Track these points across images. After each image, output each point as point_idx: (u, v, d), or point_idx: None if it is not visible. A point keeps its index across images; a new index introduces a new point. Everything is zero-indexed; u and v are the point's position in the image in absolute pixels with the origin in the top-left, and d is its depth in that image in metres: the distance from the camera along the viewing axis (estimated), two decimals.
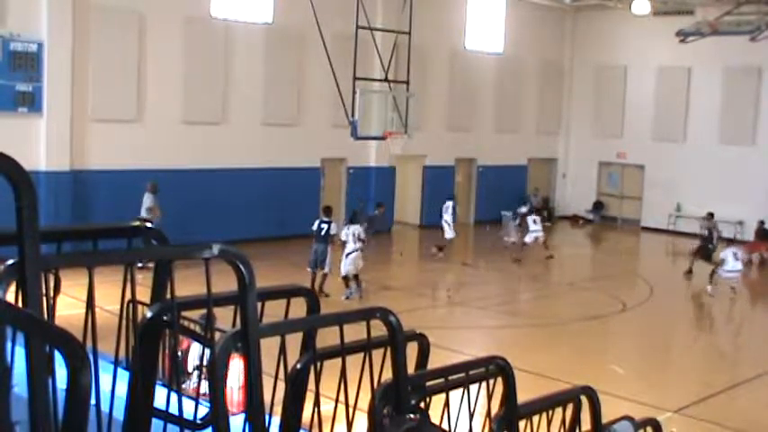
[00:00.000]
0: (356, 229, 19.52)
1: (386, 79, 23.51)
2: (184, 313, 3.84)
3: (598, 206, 35.91)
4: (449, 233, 26.43)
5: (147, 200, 21.71)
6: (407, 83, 23.44)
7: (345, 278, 19.26)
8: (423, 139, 27.96)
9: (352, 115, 21.80)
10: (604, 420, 5.58)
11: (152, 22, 23.26)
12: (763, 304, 22.32)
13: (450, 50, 31.11)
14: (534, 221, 26.60)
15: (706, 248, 24.24)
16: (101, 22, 22.17)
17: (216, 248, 3.00)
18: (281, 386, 3.71)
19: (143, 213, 21.38)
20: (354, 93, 21.88)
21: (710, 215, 26.41)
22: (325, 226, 19.48)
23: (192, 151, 24.34)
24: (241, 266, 3.06)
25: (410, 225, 31.30)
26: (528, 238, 26.44)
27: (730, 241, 25.75)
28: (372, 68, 24.49)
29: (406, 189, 31.14)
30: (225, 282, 3.37)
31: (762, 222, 29.22)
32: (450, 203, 26.92)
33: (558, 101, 36.33)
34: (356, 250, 19.19)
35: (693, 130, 33.14)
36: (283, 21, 25.64)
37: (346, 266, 19.16)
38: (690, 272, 24.48)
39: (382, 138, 23.94)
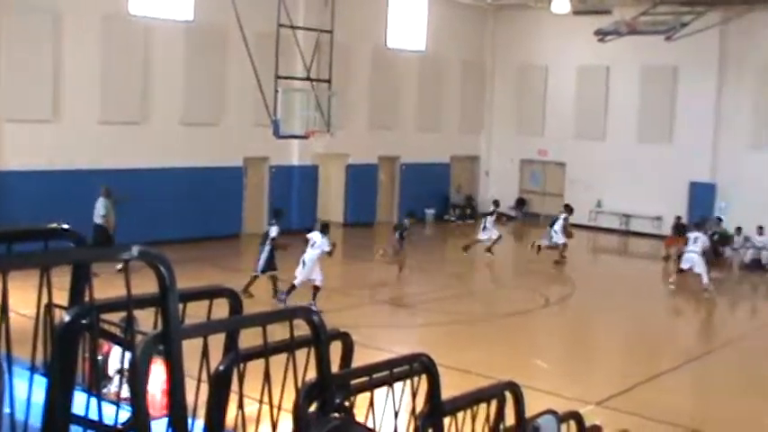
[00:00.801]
0: (274, 230, 19.42)
1: (308, 78, 23.44)
2: (105, 316, 3.77)
3: (521, 203, 36.31)
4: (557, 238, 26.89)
5: (101, 205, 20.98)
6: (330, 81, 23.40)
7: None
8: (345, 137, 27.95)
9: (275, 114, 21.71)
10: (528, 415, 5.63)
11: (68, 20, 22.77)
12: (684, 297, 22.76)
13: (372, 49, 31.14)
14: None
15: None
16: (13, 21, 21.64)
17: (135, 250, 2.94)
18: (205, 388, 3.66)
19: (96, 220, 20.77)
20: (277, 91, 21.79)
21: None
22: (267, 228, 19.56)
23: (112, 151, 23.90)
24: (161, 268, 3.01)
25: (334, 224, 31.19)
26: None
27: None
28: (294, 67, 24.40)
29: (329, 188, 31.09)
30: (146, 284, 3.31)
31: (678, 218, 29.91)
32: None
33: (480, 99, 36.61)
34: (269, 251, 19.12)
35: (613, 127, 33.71)
36: (204, 18, 25.36)
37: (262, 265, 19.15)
38: (667, 258, 26.66)
39: (305, 136, 23.89)
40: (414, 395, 4.37)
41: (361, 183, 31.46)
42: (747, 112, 30.69)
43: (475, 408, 4.84)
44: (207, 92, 26.00)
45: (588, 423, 7.32)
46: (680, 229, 29.32)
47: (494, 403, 5.11)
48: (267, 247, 19.10)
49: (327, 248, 18.45)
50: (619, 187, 33.17)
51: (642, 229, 32.43)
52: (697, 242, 21.94)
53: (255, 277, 18.94)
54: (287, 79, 23.13)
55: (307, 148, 28.10)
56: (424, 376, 4.37)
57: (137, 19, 24.29)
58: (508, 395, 5.18)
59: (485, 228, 26.88)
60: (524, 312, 19.76)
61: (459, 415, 4.70)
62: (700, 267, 21.58)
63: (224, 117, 26.54)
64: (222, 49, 25.79)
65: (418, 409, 4.37)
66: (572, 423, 6.67)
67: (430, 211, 34.20)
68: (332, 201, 31.31)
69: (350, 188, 31.42)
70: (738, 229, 27.20)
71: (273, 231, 19.25)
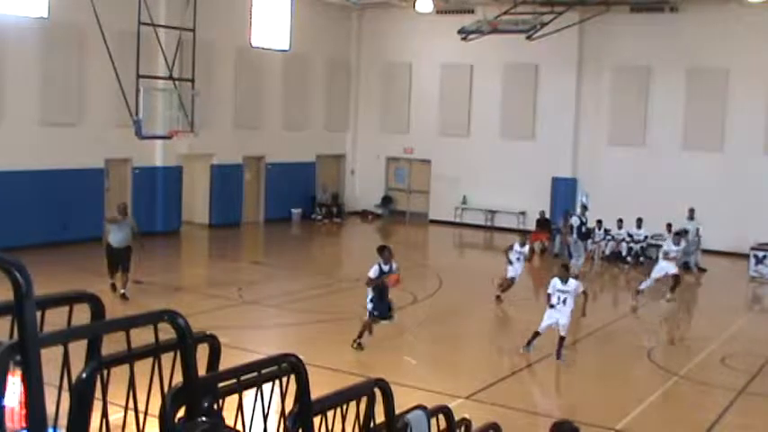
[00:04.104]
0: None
1: (171, 77, 23.09)
2: None
3: (387, 201, 36.57)
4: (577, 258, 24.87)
5: None
6: (193, 81, 23.11)
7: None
8: (210, 137, 27.64)
9: (137, 114, 21.31)
10: (398, 411, 5.66)
11: None
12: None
13: (236, 47, 30.80)
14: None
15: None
16: None
17: None
18: (67, 397, 3.55)
19: None
20: (138, 91, 21.37)
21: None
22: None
23: None
24: (17, 274, 2.89)
25: (198, 225, 30.81)
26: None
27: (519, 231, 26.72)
28: (156, 66, 23.98)
29: (193, 189, 30.61)
30: (2, 291, 3.19)
31: (542, 213, 30.69)
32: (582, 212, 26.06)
33: (345, 97, 36.69)
34: None
35: (477, 125, 34.29)
36: (60, 15, 24.55)
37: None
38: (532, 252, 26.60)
39: (168, 137, 23.54)
40: (283, 396, 4.33)
41: (226, 183, 31.10)
42: (606, 109, 31.74)
43: (344, 406, 4.84)
44: (65, 91, 25.20)
45: (458, 417, 7.40)
46: (544, 224, 30.15)
47: (363, 401, 5.11)
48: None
49: None
50: (483, 183, 33.79)
51: (507, 224, 33.09)
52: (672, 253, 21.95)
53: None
54: (149, 78, 22.71)
55: (170, 148, 27.63)
56: (293, 376, 4.34)
57: None
58: (378, 392, 5.19)
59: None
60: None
61: (330, 414, 4.69)
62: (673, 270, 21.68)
63: (84, 117, 25.77)
64: (80, 48, 25.03)
65: (288, 410, 4.34)
66: (441, 417, 6.73)
67: (296, 211, 34.11)
68: (197, 202, 30.84)
69: (215, 189, 31.01)
70: (599, 222, 28.11)
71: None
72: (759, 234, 26.53)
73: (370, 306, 16.03)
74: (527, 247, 21.71)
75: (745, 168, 29.04)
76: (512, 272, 21.03)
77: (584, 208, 26.97)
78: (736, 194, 28.74)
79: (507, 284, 21.09)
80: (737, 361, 16.82)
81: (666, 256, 21.89)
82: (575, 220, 25.42)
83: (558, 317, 15.84)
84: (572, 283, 15.86)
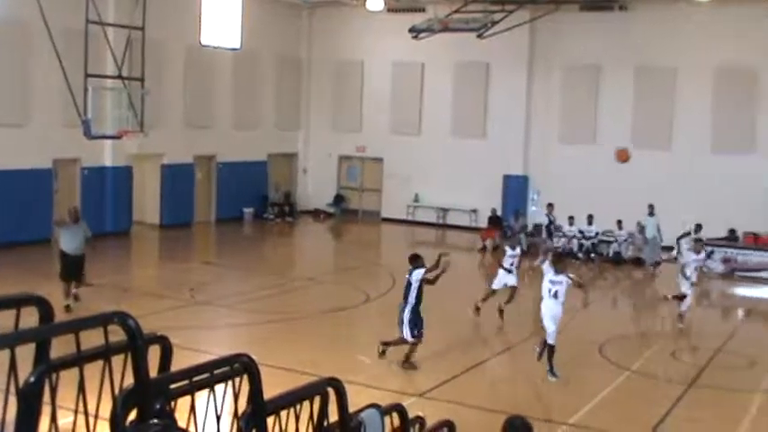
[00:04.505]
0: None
1: (120, 76, 22.84)
2: None
3: (339, 200, 36.52)
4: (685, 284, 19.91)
5: None
6: (142, 80, 22.87)
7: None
8: (160, 136, 27.43)
9: (85, 114, 21.04)
10: (352, 410, 5.64)
11: None
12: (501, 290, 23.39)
13: (185, 46, 30.52)
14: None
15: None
16: None
17: None
18: (14, 402, 3.49)
19: None
20: (87, 90, 21.10)
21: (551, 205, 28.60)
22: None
23: None
24: None
25: (149, 225, 30.52)
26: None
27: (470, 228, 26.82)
28: (105, 65, 23.72)
29: (144, 189, 30.31)
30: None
31: (494, 210, 30.87)
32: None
33: (297, 96, 36.57)
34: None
35: (429, 123, 34.37)
36: (4, 12, 24.06)
37: None
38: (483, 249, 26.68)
39: (117, 136, 23.27)
40: (236, 396, 4.30)
41: (177, 183, 30.83)
42: (556, 107, 31.98)
43: (298, 406, 4.81)
44: (10, 91, 24.78)
45: (412, 414, 7.41)
46: (495, 222, 30.33)
47: (317, 400, 5.09)
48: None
49: None
50: (435, 181, 33.89)
51: (459, 222, 33.24)
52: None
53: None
54: (98, 78, 22.44)
55: (120, 148, 27.34)
56: (245, 377, 4.30)
57: None
58: (331, 391, 5.17)
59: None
60: (346, 308, 19.90)
61: (283, 414, 4.66)
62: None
63: (30, 117, 25.36)
64: (26, 46, 24.59)
65: (241, 411, 4.30)
66: (395, 415, 6.74)
67: (248, 210, 33.96)
68: (147, 202, 30.54)
69: (165, 189, 30.72)
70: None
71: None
72: (706, 230, 26.86)
73: (411, 325, 14.87)
74: (518, 250, 19.62)
75: (692, 167, 29.38)
76: (510, 280, 18.90)
77: (551, 206, 27.38)
78: (684, 192, 29.06)
79: (489, 295, 19.18)
80: (687, 355, 17.06)
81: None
82: (543, 219, 25.69)
83: (506, 280, 15.45)
84: (563, 276, 14.73)
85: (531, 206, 31.80)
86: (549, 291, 14.76)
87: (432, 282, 15.12)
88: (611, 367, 15.83)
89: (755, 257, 25.71)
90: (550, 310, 14.73)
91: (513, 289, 18.93)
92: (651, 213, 27.13)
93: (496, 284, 19.02)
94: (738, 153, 28.83)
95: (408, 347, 15.00)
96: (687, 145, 29.69)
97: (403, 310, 14.98)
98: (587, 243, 28.23)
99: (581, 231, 28.37)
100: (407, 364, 14.98)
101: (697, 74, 29.50)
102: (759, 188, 28.08)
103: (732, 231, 27.14)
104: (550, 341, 14.73)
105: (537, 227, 29.59)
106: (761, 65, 28.56)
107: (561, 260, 15.20)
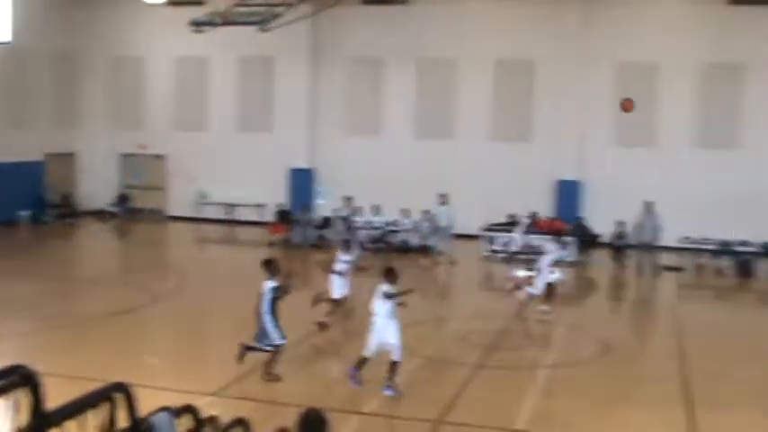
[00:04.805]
0: None
1: None
2: None
3: (122, 199, 35.49)
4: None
5: None
6: None
7: None
8: None
9: None
10: (143, 414, 5.46)
11: None
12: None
13: None
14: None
15: None
16: None
17: None
18: None
19: None
20: None
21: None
22: None
23: None
24: None
25: None
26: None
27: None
28: None
29: None
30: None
31: (281, 204, 30.95)
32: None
33: (74, 93, 35.17)
34: None
35: (213, 118, 34.03)
36: None
37: None
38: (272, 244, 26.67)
39: None
40: (17, 410, 4.04)
41: None
42: (342, 99, 32.36)
43: (85, 414, 4.59)
44: None
45: (204, 414, 7.26)
46: (283, 216, 30.36)
47: (105, 407, 4.89)
48: None
49: None
50: (222, 177, 33.62)
51: (247, 217, 33.06)
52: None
53: None
54: None
55: None
56: (26, 389, 4.06)
57: None
58: (119, 397, 4.97)
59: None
60: (131, 310, 19.27)
61: (69, 425, 4.43)
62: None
63: None
64: None
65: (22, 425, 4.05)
66: (187, 416, 6.60)
67: (24, 213, 32.37)
68: None
69: None
70: (336, 211, 28.65)
71: None
72: (492, 215, 28.07)
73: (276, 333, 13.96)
74: (352, 255, 18.53)
75: (474, 153, 30.59)
76: (340, 289, 17.41)
77: (348, 199, 27.65)
78: (468, 180, 30.23)
79: (336, 306, 17.49)
80: (477, 337, 17.61)
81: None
82: (340, 212, 25.93)
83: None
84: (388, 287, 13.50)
85: (317, 199, 32.02)
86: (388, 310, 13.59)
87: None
88: (405, 354, 16.10)
89: (535, 241, 26.88)
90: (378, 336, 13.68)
91: (344, 298, 17.62)
92: (443, 203, 27.77)
93: (337, 293, 17.41)
94: (517, 141, 30.59)
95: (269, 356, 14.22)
96: (467, 133, 30.89)
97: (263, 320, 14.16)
98: (375, 233, 28.66)
99: (368, 222, 28.78)
100: (270, 375, 14.08)
101: (475, 64, 30.69)
102: (532, 174, 30.09)
103: (512, 216, 28.30)
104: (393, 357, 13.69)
105: (327, 220, 29.79)
106: (538, 57, 30.11)
107: (392, 272, 13.78)
